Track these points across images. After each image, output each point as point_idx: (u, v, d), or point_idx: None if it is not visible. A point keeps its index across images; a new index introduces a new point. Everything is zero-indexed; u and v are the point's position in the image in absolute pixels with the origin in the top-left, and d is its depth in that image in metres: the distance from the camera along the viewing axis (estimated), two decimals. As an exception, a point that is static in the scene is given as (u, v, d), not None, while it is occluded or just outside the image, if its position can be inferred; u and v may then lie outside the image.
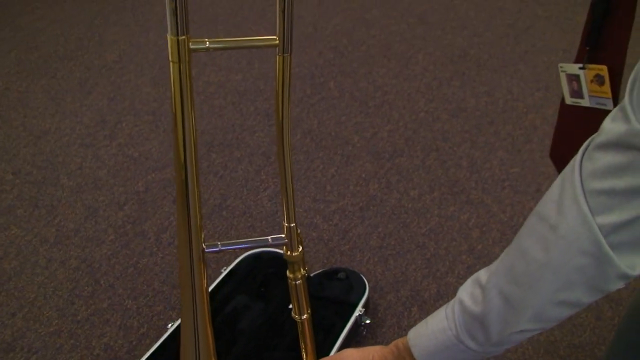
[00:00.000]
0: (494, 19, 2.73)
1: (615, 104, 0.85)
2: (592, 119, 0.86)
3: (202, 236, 0.88)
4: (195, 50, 0.78)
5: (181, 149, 0.79)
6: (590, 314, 1.64)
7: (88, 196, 2.05)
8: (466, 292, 0.79)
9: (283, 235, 0.92)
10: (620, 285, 0.69)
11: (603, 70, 0.86)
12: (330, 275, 1.71)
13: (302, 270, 0.93)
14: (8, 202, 2.04)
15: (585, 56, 0.88)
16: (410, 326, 1.58)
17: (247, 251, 1.75)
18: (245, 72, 2.47)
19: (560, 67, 0.91)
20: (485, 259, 1.79)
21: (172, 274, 1.81)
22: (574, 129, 0.86)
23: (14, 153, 2.22)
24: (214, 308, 1.63)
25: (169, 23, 0.75)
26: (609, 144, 0.64)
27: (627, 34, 0.83)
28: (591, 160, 0.66)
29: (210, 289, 1.67)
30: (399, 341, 0.88)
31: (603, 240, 0.65)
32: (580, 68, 0.88)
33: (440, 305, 1.58)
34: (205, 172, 2.11)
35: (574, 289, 0.69)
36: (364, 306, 1.61)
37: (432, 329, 0.83)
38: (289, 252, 0.92)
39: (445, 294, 1.72)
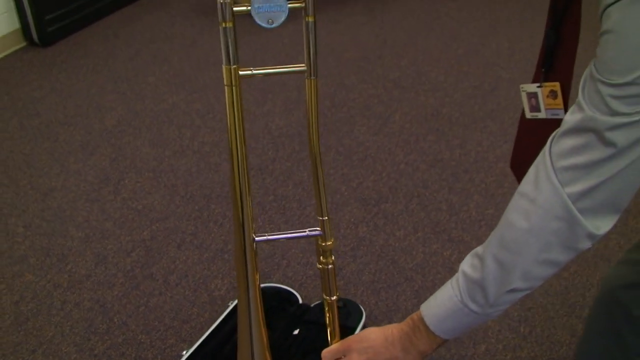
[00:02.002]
0: (461, 82, 2.99)
1: (566, 112, 1.06)
2: (548, 128, 1.06)
3: (253, 227, 1.07)
4: (243, 76, 0.98)
5: (235, 150, 0.99)
6: (565, 332, 1.82)
7: (97, 245, 2.19)
8: (467, 264, 0.98)
9: (318, 228, 1.10)
10: (588, 244, 0.88)
11: (556, 86, 1.08)
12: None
13: (331, 257, 1.10)
14: (21, 252, 2.18)
15: (542, 76, 1.10)
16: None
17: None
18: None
19: (522, 87, 1.13)
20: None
21: (181, 311, 1.95)
22: (532, 139, 1.06)
23: (23, 209, 2.37)
24: (223, 338, 1.78)
25: (223, 56, 0.96)
26: (569, 130, 0.85)
27: (574, 56, 1.06)
28: (557, 144, 0.86)
29: (217, 322, 1.82)
30: (414, 315, 1.05)
31: (572, 206, 0.85)
32: (537, 87, 1.10)
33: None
34: (206, 220, 2.27)
35: (552, 249, 0.89)
36: (361, 330, 1.77)
37: (441, 298, 1.00)
38: (322, 243, 1.10)
39: (434, 320, 1.88)
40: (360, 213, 2.28)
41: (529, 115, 1.14)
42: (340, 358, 1.13)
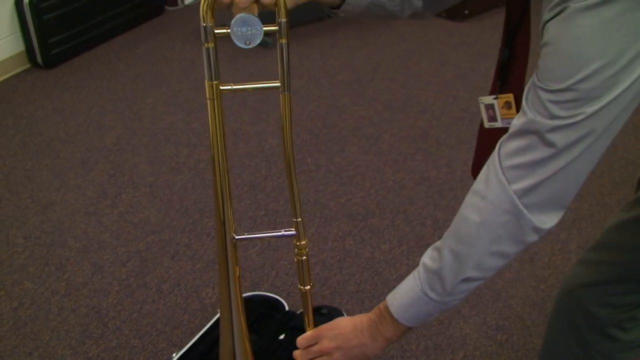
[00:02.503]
0: (450, 105, 3.10)
1: None
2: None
3: (233, 227, 1.16)
4: (223, 91, 1.08)
5: (216, 155, 1.09)
6: (541, 340, 1.90)
7: (94, 255, 2.28)
8: (427, 257, 1.07)
9: (293, 229, 1.19)
10: (535, 237, 0.98)
11: (510, 97, 1.17)
12: (314, 311, 1.94)
13: (305, 250, 1.19)
14: (20, 262, 2.26)
15: (498, 89, 1.20)
16: (385, 355, 1.86)
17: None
18: (232, 151, 2.77)
19: (480, 99, 1.22)
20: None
21: (172, 318, 2.03)
22: (490, 146, 1.16)
23: (24, 221, 2.46)
24: (212, 342, 1.85)
25: (206, 73, 1.06)
26: (515, 133, 0.94)
27: (525, 70, 1.16)
28: (505, 146, 0.96)
29: (207, 326, 1.90)
30: (380, 304, 1.14)
31: (517, 201, 0.94)
32: (494, 98, 1.20)
33: (411, 339, 1.90)
34: (199, 233, 2.36)
35: (501, 241, 0.98)
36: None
37: (404, 289, 1.09)
38: (297, 242, 1.20)
39: (416, 329, 1.95)
40: (348, 227, 2.37)
41: (487, 124, 1.23)
42: (314, 344, 1.21)
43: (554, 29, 0.88)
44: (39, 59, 3.55)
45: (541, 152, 0.91)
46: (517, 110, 1.17)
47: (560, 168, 0.92)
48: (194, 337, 1.86)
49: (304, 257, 1.20)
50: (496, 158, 0.97)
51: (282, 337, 1.87)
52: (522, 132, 0.93)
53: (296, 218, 1.17)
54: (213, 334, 1.87)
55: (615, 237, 1.29)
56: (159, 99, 3.26)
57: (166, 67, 3.56)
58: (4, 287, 2.16)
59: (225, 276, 1.19)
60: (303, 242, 1.19)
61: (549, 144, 0.90)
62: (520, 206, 0.95)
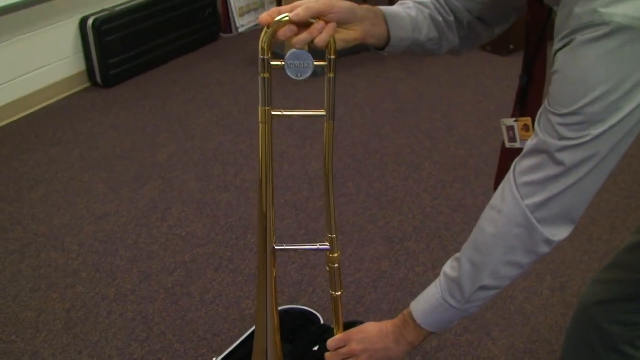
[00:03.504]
0: (490, 136, 3.18)
1: None
2: None
3: (274, 238, 1.27)
4: (275, 116, 1.20)
5: (264, 171, 1.21)
6: None
7: (143, 265, 2.42)
8: (448, 266, 1.16)
9: (327, 244, 1.31)
10: (547, 249, 1.07)
11: (528, 121, 1.27)
12: (348, 325, 2.03)
13: (337, 262, 1.29)
14: (74, 267, 2.41)
15: (518, 112, 1.29)
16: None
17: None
18: (276, 172, 2.89)
19: (502, 121, 1.32)
20: (479, 322, 2.13)
21: (214, 326, 2.14)
22: (510, 165, 1.26)
23: (79, 230, 2.61)
24: (251, 349, 1.96)
25: (260, 99, 1.19)
26: (528, 153, 1.04)
27: (542, 95, 1.25)
28: (519, 165, 1.06)
29: (247, 334, 2.00)
30: (405, 311, 1.23)
31: (530, 215, 1.04)
32: (514, 121, 1.30)
33: (441, 357, 1.99)
34: (242, 248, 2.48)
35: (515, 252, 1.07)
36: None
37: (427, 296, 1.19)
38: (330, 255, 1.30)
39: (445, 347, 2.04)
40: (384, 249, 2.46)
41: (507, 145, 1.33)
42: (342, 347, 1.31)
43: (562, 58, 0.98)
44: (98, 78, 3.75)
45: (551, 170, 1.01)
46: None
47: (569, 185, 1.01)
48: (233, 344, 1.97)
49: (336, 266, 1.31)
50: (511, 176, 1.06)
51: (316, 348, 1.97)
52: (534, 152, 1.03)
53: (331, 234, 1.28)
54: (251, 343, 1.97)
55: (627, 257, 1.36)
56: (210, 120, 3.41)
57: (218, 91, 3.73)
58: (58, 289, 2.31)
59: (264, 280, 1.30)
60: (335, 255, 1.30)
61: (559, 163, 1.00)
62: (533, 220, 1.04)
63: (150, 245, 2.52)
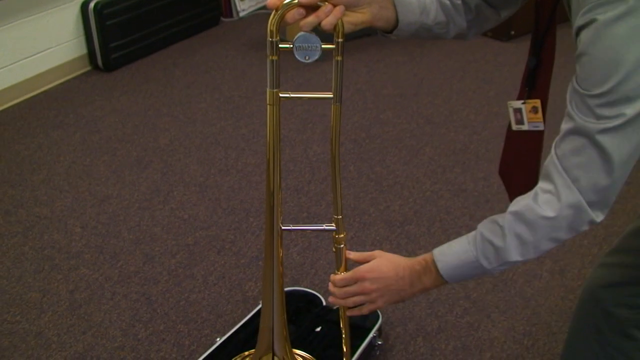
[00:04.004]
0: (490, 121, 3.19)
1: (544, 125, 1.27)
2: (530, 138, 1.29)
3: (280, 219, 1.29)
4: (283, 98, 1.22)
5: (271, 155, 1.23)
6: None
7: (146, 247, 2.43)
8: (487, 229, 1.17)
9: (333, 225, 1.32)
10: (587, 227, 1.11)
11: (537, 103, 1.28)
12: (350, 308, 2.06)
13: (342, 243, 1.31)
14: (77, 249, 2.43)
15: (525, 95, 1.30)
16: (416, 352, 1.96)
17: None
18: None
19: (509, 104, 1.33)
20: (480, 304, 2.15)
21: (217, 307, 2.16)
22: (517, 147, 1.27)
23: (82, 212, 2.63)
24: (253, 331, 1.98)
25: (268, 82, 1.20)
26: (567, 135, 1.07)
27: (550, 77, 1.27)
28: (559, 148, 1.08)
29: (250, 315, 2.03)
30: (427, 256, 1.25)
31: (582, 198, 1.07)
32: (522, 103, 1.31)
33: (441, 338, 2.01)
34: (245, 231, 2.50)
35: (561, 230, 1.11)
36: (377, 331, 1.96)
37: (456, 250, 1.21)
38: (336, 235, 1.32)
39: (446, 328, 2.06)
40: (385, 233, 2.48)
41: (514, 127, 1.34)
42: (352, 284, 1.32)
43: (586, 39, 1.00)
44: (99, 62, 3.75)
45: (594, 153, 1.04)
46: (543, 115, 1.28)
47: (614, 168, 1.04)
48: (236, 325, 1.99)
49: (342, 246, 1.33)
50: (555, 160, 1.09)
51: (318, 329, 1.99)
52: (573, 134, 1.05)
53: (337, 215, 1.30)
54: (254, 324, 2.00)
55: (631, 242, 1.38)
56: (211, 104, 3.42)
57: (219, 75, 3.73)
58: (61, 271, 2.32)
59: (271, 260, 1.32)
60: (342, 235, 1.32)
61: (600, 146, 1.03)
62: (584, 202, 1.07)
63: (153, 227, 2.54)
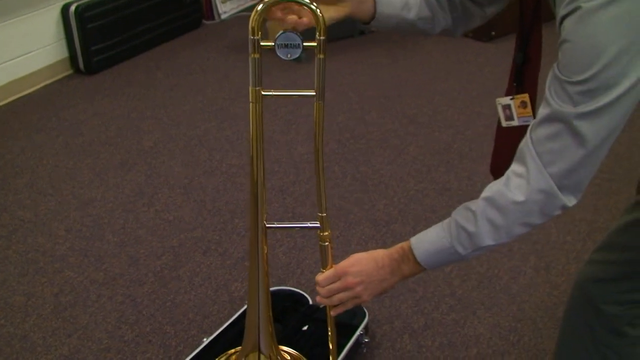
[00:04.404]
0: (473, 121, 3.21)
1: (535, 118, 1.28)
2: (521, 133, 1.29)
3: (265, 217, 1.29)
4: (264, 96, 1.22)
5: (255, 153, 1.23)
6: (551, 342, 1.99)
7: (130, 249, 2.42)
8: (460, 215, 1.19)
9: (317, 222, 1.33)
10: (559, 212, 1.12)
11: (526, 97, 1.30)
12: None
13: (327, 240, 1.32)
14: (62, 252, 2.41)
15: (514, 90, 1.32)
16: (403, 349, 1.97)
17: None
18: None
19: (497, 100, 1.35)
20: (465, 302, 2.16)
21: (203, 308, 2.16)
22: (509, 144, 1.28)
23: (66, 215, 2.61)
24: (240, 331, 1.97)
25: (250, 79, 1.20)
26: (543, 121, 1.07)
27: (538, 71, 1.28)
28: (535, 132, 1.09)
29: (237, 314, 2.02)
30: (404, 244, 1.27)
31: (553, 183, 1.07)
32: (510, 99, 1.32)
33: (427, 335, 2.01)
34: (230, 232, 2.49)
35: (533, 215, 1.12)
36: (363, 329, 1.96)
37: (431, 237, 1.22)
38: (321, 233, 1.33)
39: (432, 325, 2.07)
40: (371, 232, 2.49)
41: (504, 124, 1.35)
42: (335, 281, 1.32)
43: (570, 26, 1.01)
44: (81, 65, 3.73)
45: (570, 139, 1.05)
46: (533, 109, 1.29)
47: (587, 154, 1.05)
48: (222, 325, 1.99)
49: (327, 243, 1.33)
50: (529, 144, 1.10)
51: (305, 328, 1.99)
52: (550, 120, 1.06)
53: (321, 213, 1.30)
54: (240, 324, 1.99)
55: (618, 238, 1.39)
56: (194, 107, 3.41)
57: (202, 78, 3.72)
58: (46, 274, 2.31)
59: (256, 257, 1.32)
60: (326, 233, 1.33)
61: (576, 132, 1.03)
62: (555, 187, 1.08)
63: (138, 229, 2.52)
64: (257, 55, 1.16)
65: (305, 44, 1.15)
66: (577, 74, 1.00)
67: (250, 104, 1.24)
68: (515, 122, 1.33)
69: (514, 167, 1.14)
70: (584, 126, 1.03)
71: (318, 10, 1.13)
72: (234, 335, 1.95)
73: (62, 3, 3.61)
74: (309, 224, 1.36)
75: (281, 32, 1.14)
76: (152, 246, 2.43)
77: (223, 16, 4.50)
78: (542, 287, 2.21)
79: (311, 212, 2.59)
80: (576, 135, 1.04)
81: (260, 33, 1.14)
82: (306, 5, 1.13)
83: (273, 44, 1.15)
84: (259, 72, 1.20)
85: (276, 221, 1.43)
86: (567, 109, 1.03)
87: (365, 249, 2.36)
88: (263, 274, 1.36)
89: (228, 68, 3.84)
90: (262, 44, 1.16)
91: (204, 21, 4.45)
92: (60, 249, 2.43)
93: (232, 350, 1.70)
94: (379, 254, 1.30)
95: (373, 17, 1.30)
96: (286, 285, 2.19)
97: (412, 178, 2.80)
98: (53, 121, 3.31)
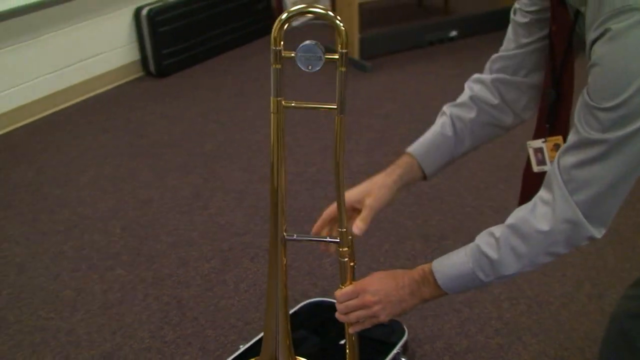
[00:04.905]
0: (539, 138, 3.11)
1: None
2: None
3: (284, 227, 1.28)
4: (285, 107, 1.21)
5: (275, 164, 1.22)
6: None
7: (181, 251, 2.46)
8: (484, 242, 1.15)
9: (337, 238, 1.31)
10: (586, 243, 1.07)
11: (560, 140, 1.23)
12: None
13: (346, 257, 1.30)
14: (116, 250, 2.47)
15: (546, 132, 1.25)
16: (441, 364, 1.91)
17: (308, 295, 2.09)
18: (305, 173, 2.90)
19: (528, 144, 1.28)
20: (512, 326, 2.09)
21: (246, 313, 2.16)
22: (537, 191, 1.23)
23: (123, 214, 2.67)
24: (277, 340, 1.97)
25: (272, 90, 1.19)
26: (569, 147, 1.02)
27: (570, 110, 1.21)
28: (562, 159, 1.04)
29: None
30: (425, 266, 1.23)
31: (579, 212, 1.02)
32: (543, 142, 1.25)
33: (469, 358, 1.94)
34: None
35: (558, 245, 1.08)
36: (401, 347, 1.92)
37: (453, 262, 1.19)
38: (340, 248, 1.31)
39: (475, 349, 2.01)
40: (421, 247, 2.44)
41: (536, 169, 1.29)
42: (354, 298, 1.30)
43: (600, 49, 0.96)
44: (152, 68, 3.82)
45: (598, 167, 1.00)
46: None
47: (617, 182, 1.00)
48: (261, 334, 1.99)
49: (346, 259, 1.31)
50: (557, 171, 1.05)
51: (342, 342, 1.97)
52: (578, 147, 1.01)
53: (341, 228, 1.28)
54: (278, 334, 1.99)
55: None
56: (257, 112, 3.44)
57: (267, 84, 3.72)
58: (98, 271, 2.36)
59: (275, 268, 1.31)
60: (345, 249, 1.30)
61: (605, 159, 0.98)
62: (581, 216, 1.03)
63: (191, 232, 2.56)
64: (278, 66, 1.15)
65: (327, 56, 1.13)
66: (607, 100, 0.95)
67: (272, 114, 1.23)
68: (547, 167, 1.25)
69: (542, 193, 1.09)
70: (613, 154, 0.97)
71: (341, 25, 1.10)
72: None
73: (134, 6, 3.71)
74: (328, 239, 1.34)
75: (304, 42, 1.12)
76: (203, 249, 2.46)
77: (294, 23, 4.53)
78: (593, 316, 2.12)
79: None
80: (605, 163, 0.98)
81: (282, 43, 1.13)
82: (326, 18, 1.11)
83: (294, 55, 1.13)
84: (281, 83, 1.19)
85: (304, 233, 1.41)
86: (596, 135, 0.98)
87: (414, 265, 2.33)
88: (282, 286, 1.35)
89: (294, 75, 3.84)
90: (283, 54, 1.15)
91: (276, 28, 4.48)
92: (114, 247, 2.48)
93: (253, 360, 1.70)
94: (400, 273, 1.27)
95: (424, 177, 1.39)
96: (329, 297, 2.17)
97: (469, 194, 2.74)
98: (120, 122, 3.40)
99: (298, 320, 2.01)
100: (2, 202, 2.78)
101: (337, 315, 1.35)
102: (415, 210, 2.65)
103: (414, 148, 1.40)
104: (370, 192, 1.36)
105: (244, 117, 3.40)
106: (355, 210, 1.36)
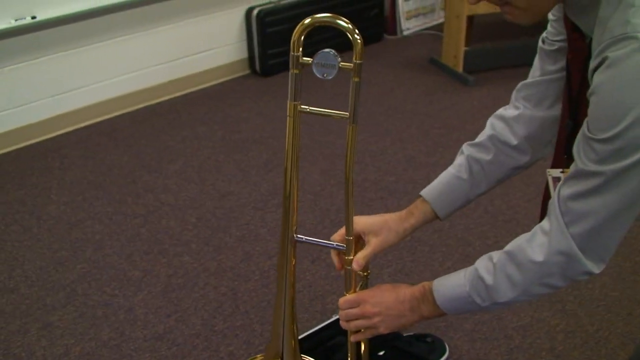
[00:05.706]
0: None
1: None
2: None
3: (295, 229, 1.30)
4: (301, 111, 1.24)
5: (289, 167, 1.25)
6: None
7: (247, 245, 2.53)
8: (482, 266, 1.15)
9: (344, 244, 1.32)
10: (585, 278, 1.05)
11: None
12: (419, 337, 2.01)
13: (350, 264, 1.30)
14: (187, 238, 2.57)
15: (564, 162, 1.21)
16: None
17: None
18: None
19: (548, 172, 1.24)
20: (564, 358, 2.01)
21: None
22: None
23: (201, 204, 2.78)
24: (320, 340, 2.00)
25: (289, 94, 1.22)
26: (568, 178, 1.01)
27: None
28: (562, 190, 1.02)
29: (319, 327, 2.04)
30: (426, 284, 1.23)
31: (574, 244, 0.99)
32: (561, 172, 1.22)
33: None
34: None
35: (553, 277, 1.06)
36: (439, 366, 1.90)
37: (452, 282, 1.18)
38: (345, 256, 1.32)
39: (517, 377, 1.95)
40: (485, 268, 2.38)
41: None
42: (355, 307, 1.32)
43: (597, 78, 0.93)
44: (257, 67, 3.94)
45: (594, 199, 0.97)
46: None
47: (613, 215, 0.97)
48: (301, 334, 2.02)
49: (349, 267, 1.32)
50: (556, 201, 1.03)
51: (381, 353, 1.97)
52: (576, 178, 0.99)
53: (348, 236, 1.29)
54: (321, 335, 2.01)
55: None
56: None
57: (365, 90, 3.78)
58: (167, 255, 2.48)
59: (283, 269, 1.34)
60: (350, 257, 1.31)
61: (601, 192, 0.96)
62: (576, 249, 1.01)
63: (260, 228, 2.63)
64: (296, 71, 1.18)
65: (342, 64, 1.15)
66: (603, 131, 0.92)
67: (288, 118, 1.26)
68: None
69: (543, 222, 1.07)
70: (609, 187, 0.94)
71: (357, 37, 1.12)
72: (310, 345, 1.97)
73: (247, 6, 3.84)
74: (335, 245, 1.36)
75: (321, 51, 1.15)
76: (268, 246, 2.52)
77: (405, 32, 4.53)
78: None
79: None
80: (601, 196, 0.95)
81: (301, 49, 1.16)
82: (344, 29, 1.13)
83: (311, 61, 1.16)
84: (298, 87, 1.22)
85: (310, 236, 1.43)
86: (593, 167, 0.95)
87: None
88: (289, 286, 1.38)
89: (395, 83, 3.86)
90: (301, 60, 1.17)
91: (386, 36, 4.50)
92: (187, 235, 2.59)
93: (259, 356, 1.74)
94: (403, 288, 1.28)
95: (436, 216, 1.39)
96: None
97: (547, 219, 2.64)
98: (219, 116, 3.53)
99: (337, 327, 2.02)
100: (95, 182, 2.97)
101: (340, 322, 1.36)
102: (487, 231, 2.59)
103: (427, 191, 1.40)
104: (379, 231, 1.35)
105: (334, 121, 3.40)
106: (361, 239, 1.37)
